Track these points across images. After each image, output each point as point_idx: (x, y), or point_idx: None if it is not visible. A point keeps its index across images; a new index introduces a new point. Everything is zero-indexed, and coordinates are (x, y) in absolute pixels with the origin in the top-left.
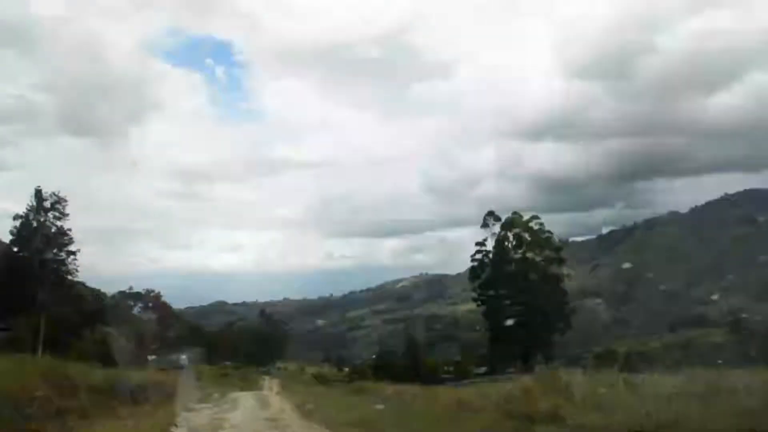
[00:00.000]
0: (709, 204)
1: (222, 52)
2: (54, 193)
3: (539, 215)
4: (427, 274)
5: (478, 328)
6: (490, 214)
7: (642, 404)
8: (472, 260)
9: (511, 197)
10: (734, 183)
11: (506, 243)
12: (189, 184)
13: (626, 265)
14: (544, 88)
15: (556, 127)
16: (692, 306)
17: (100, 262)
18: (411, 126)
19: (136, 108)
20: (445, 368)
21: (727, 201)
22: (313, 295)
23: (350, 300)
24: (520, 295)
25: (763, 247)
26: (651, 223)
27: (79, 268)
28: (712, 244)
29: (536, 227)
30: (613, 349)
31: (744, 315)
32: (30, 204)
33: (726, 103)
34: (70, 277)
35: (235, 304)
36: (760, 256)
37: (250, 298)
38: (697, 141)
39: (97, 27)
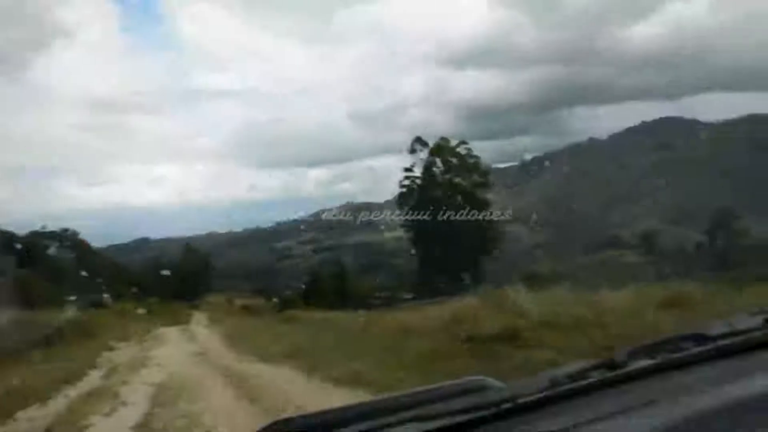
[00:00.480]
0: (628, 131)
1: None
2: None
3: (466, 141)
4: (353, 202)
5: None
6: (418, 140)
7: (600, 320)
8: (401, 186)
9: (436, 124)
10: (653, 111)
11: (434, 168)
12: (103, 116)
13: (548, 190)
14: (470, 15)
15: (482, 55)
16: (608, 229)
17: (10, 204)
18: (336, 53)
19: (39, 35)
20: (376, 294)
21: (645, 128)
22: (238, 228)
23: (277, 231)
24: (448, 219)
25: (678, 172)
26: (572, 150)
27: None
28: (630, 170)
29: (464, 152)
30: (537, 271)
31: (658, 236)
32: None
33: (648, 32)
34: None
35: (158, 240)
36: (674, 180)
37: (174, 234)
38: (619, 70)
39: None
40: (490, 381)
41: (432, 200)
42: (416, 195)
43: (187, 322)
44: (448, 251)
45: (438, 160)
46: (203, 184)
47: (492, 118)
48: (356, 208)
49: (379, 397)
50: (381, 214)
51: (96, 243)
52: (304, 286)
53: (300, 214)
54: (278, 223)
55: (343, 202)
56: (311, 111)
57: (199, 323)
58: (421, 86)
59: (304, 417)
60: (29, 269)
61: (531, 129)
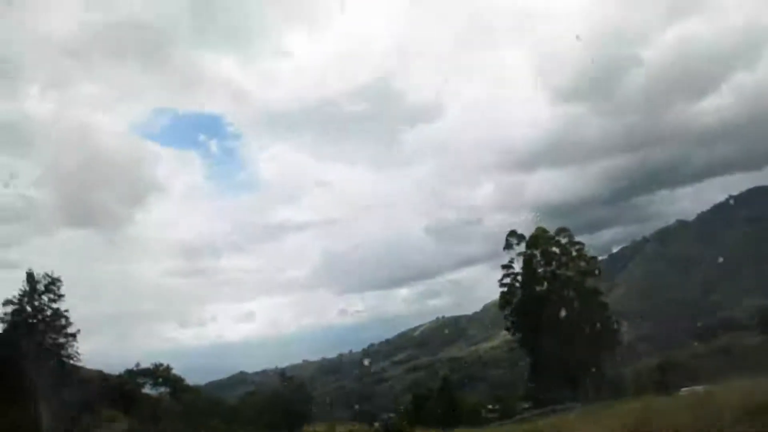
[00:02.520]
0: (715, 207)
1: (212, 126)
2: (47, 275)
3: (566, 228)
4: (443, 317)
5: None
6: (513, 233)
7: None
8: (501, 285)
9: (513, 228)
10: (737, 183)
11: (534, 261)
12: (194, 260)
13: (640, 280)
14: (531, 116)
15: (549, 154)
16: (712, 311)
17: (112, 350)
18: (405, 172)
19: (133, 192)
20: (489, 407)
21: (732, 202)
22: (331, 354)
23: (369, 354)
24: (558, 315)
25: None
26: (660, 235)
27: (80, 351)
28: (724, 246)
29: (564, 240)
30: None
31: None
32: (22, 288)
33: (714, 105)
34: (71, 361)
35: (255, 373)
36: None
37: (269, 366)
38: (692, 147)
39: (87, 118)
40: None
41: (536, 297)
42: (518, 293)
43: None
44: (563, 351)
45: (537, 253)
46: (293, 315)
47: (570, 214)
48: (446, 323)
49: None
50: (471, 327)
51: (196, 380)
52: (402, 408)
53: (391, 334)
54: (370, 345)
55: (432, 318)
56: (389, 232)
57: None
58: (493, 194)
59: None
60: (121, 408)
61: (613, 220)
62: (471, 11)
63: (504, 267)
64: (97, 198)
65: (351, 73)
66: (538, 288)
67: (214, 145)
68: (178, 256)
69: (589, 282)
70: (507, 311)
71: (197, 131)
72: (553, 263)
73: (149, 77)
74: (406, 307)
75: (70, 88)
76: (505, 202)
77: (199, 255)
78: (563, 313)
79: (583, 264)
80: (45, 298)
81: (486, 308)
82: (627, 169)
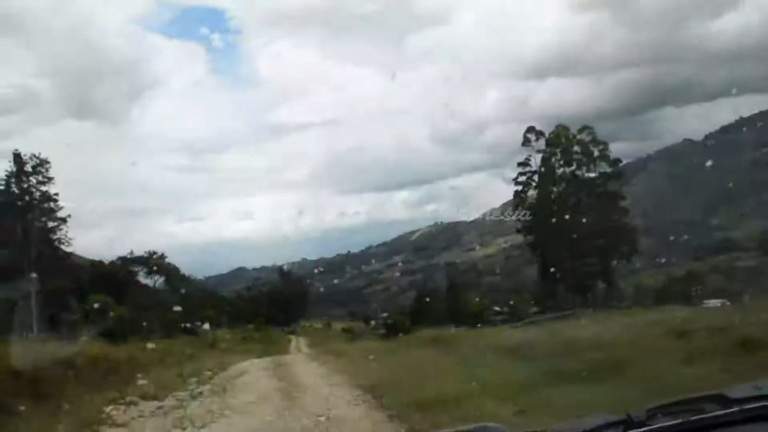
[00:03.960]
0: (724, 129)
1: (215, 19)
2: (34, 155)
3: (590, 125)
4: (441, 223)
5: (498, 271)
6: (531, 129)
7: None
8: (515, 183)
9: (519, 140)
10: (749, 106)
11: (552, 160)
12: (195, 156)
13: (645, 197)
14: (545, 25)
15: (560, 64)
16: (714, 233)
17: (113, 244)
18: (412, 77)
19: (134, 85)
20: (496, 309)
21: (742, 124)
22: (329, 254)
23: (366, 255)
24: (573, 218)
25: None
26: (666, 153)
27: (69, 236)
28: (729, 169)
29: (587, 139)
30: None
31: None
32: (8, 169)
33: (735, 23)
34: (62, 247)
35: (254, 269)
36: None
37: (268, 263)
38: (708, 65)
39: (88, 10)
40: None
41: (552, 198)
42: (534, 193)
43: (285, 350)
44: (575, 256)
45: (557, 151)
46: (293, 214)
47: (575, 127)
48: (443, 229)
49: None
50: (468, 233)
51: (195, 275)
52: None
53: (388, 237)
54: (367, 247)
55: (430, 223)
56: (392, 136)
57: (300, 350)
58: (500, 102)
59: None
60: (116, 297)
61: (621, 135)
62: None
63: (520, 164)
64: (97, 90)
65: None
66: (555, 188)
67: (216, 39)
68: (179, 152)
69: (611, 185)
70: (519, 211)
71: (200, 24)
72: (573, 163)
73: None
74: (405, 210)
75: None
76: (511, 112)
77: (200, 151)
78: (580, 216)
79: (605, 165)
80: (33, 179)
81: (484, 216)
82: (638, 83)
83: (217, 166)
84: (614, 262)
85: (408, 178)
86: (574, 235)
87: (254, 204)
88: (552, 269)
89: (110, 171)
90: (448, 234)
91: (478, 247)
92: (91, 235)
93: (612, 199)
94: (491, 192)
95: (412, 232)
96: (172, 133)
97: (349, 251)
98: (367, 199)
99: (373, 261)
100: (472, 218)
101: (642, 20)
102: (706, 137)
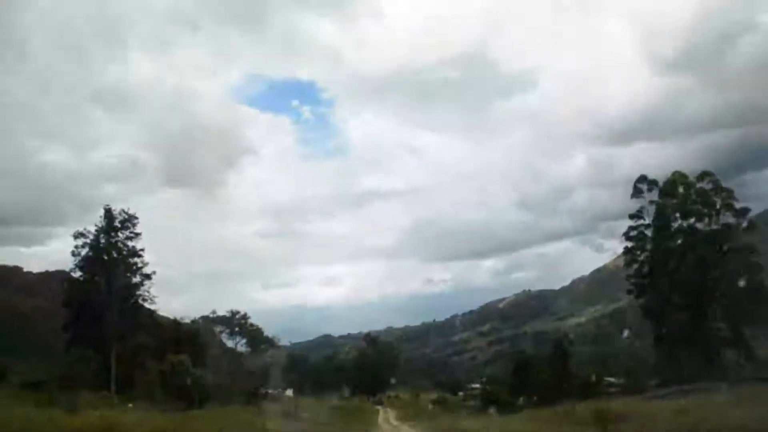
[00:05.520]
0: None
1: (305, 92)
2: (124, 211)
3: (711, 172)
4: (528, 291)
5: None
6: (643, 179)
7: None
8: (626, 239)
9: (608, 205)
10: None
11: (668, 211)
12: (284, 222)
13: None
14: (631, 87)
15: (647, 127)
16: None
17: (203, 306)
18: (497, 142)
19: (229, 155)
20: (610, 380)
21: None
22: (415, 322)
23: (453, 324)
24: (696, 277)
25: None
26: (761, 219)
27: (153, 293)
28: None
29: (708, 187)
30: None
31: None
32: (98, 224)
33: None
34: (145, 304)
35: (340, 337)
36: None
37: (353, 330)
38: None
39: (187, 82)
40: None
41: (669, 254)
42: (647, 248)
43: (373, 422)
44: (699, 321)
45: (674, 202)
46: (379, 281)
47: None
48: (531, 297)
49: None
50: (557, 302)
51: (282, 341)
52: (484, 378)
53: (475, 305)
54: (453, 316)
55: (518, 291)
56: (477, 202)
57: (389, 422)
58: (585, 167)
59: None
60: (192, 356)
61: None
62: None
63: (631, 217)
64: (194, 160)
65: (445, 39)
66: (672, 244)
67: (306, 111)
68: (268, 218)
69: (741, 238)
70: (631, 270)
71: (290, 96)
72: (693, 215)
73: (246, 41)
74: (491, 278)
75: (173, 54)
76: (597, 177)
77: (287, 218)
78: (704, 275)
79: (730, 216)
80: (121, 234)
81: (573, 284)
82: (731, 145)
83: (304, 232)
84: (747, 327)
85: (494, 246)
86: (697, 296)
87: (339, 271)
88: (669, 336)
89: (203, 236)
90: (535, 302)
91: (562, 316)
92: (182, 298)
93: (742, 254)
94: (579, 259)
95: (499, 300)
96: (262, 199)
97: (434, 319)
98: (453, 267)
99: (459, 329)
100: (560, 286)
101: (731, 81)
102: None
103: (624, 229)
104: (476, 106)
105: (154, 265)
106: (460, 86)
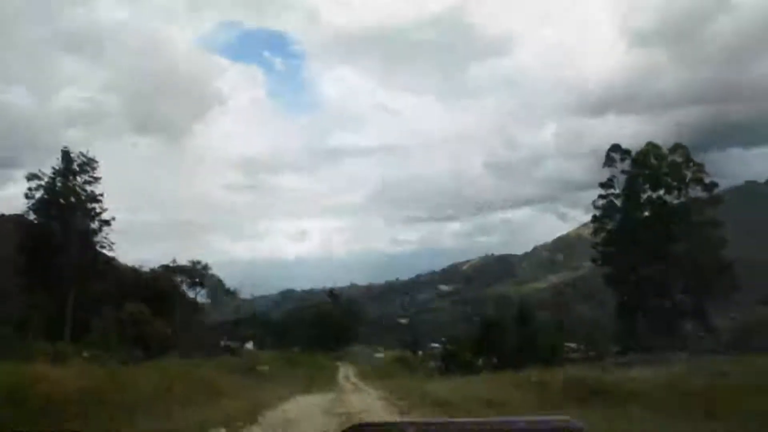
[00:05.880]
0: None
1: (278, 43)
2: (82, 153)
3: (684, 144)
4: (492, 254)
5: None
6: (616, 148)
7: None
8: (595, 208)
9: (575, 175)
10: None
11: (638, 182)
12: (253, 175)
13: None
14: (606, 60)
15: (620, 100)
16: None
17: (168, 257)
18: (471, 107)
19: (197, 104)
20: (572, 346)
21: None
22: (379, 280)
23: (416, 283)
24: (661, 248)
25: None
26: (728, 196)
27: (113, 240)
28: None
29: (680, 160)
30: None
31: None
32: (55, 167)
33: None
34: (104, 251)
35: (303, 291)
36: None
37: (317, 285)
38: None
39: (156, 28)
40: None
41: (637, 224)
42: (617, 218)
43: (332, 381)
44: (663, 292)
45: (645, 173)
46: (345, 238)
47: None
48: (495, 260)
49: (465, 419)
50: (520, 266)
51: (245, 293)
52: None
53: (439, 266)
54: (417, 276)
55: (482, 254)
56: (448, 165)
57: (349, 379)
58: (556, 136)
59: (378, 425)
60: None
61: None
62: None
63: (602, 185)
64: (161, 107)
65: (422, 1)
66: (639, 215)
67: (278, 63)
68: (237, 171)
69: (707, 212)
70: (599, 238)
71: (263, 47)
72: (662, 187)
73: None
74: (457, 241)
75: None
76: (568, 147)
77: (257, 171)
78: (669, 247)
79: (699, 189)
80: (79, 178)
81: (536, 249)
82: (701, 122)
83: (273, 186)
84: (708, 301)
85: (460, 208)
86: (662, 268)
87: (308, 226)
88: (632, 306)
89: (170, 186)
90: (498, 266)
91: (528, 281)
92: (147, 247)
93: (707, 228)
94: (544, 226)
95: (463, 262)
96: (231, 152)
97: (398, 278)
98: (419, 228)
99: (422, 289)
100: (523, 251)
101: (705, 58)
102: None
103: (589, 199)
104: (452, 69)
105: (118, 213)
106: (437, 48)
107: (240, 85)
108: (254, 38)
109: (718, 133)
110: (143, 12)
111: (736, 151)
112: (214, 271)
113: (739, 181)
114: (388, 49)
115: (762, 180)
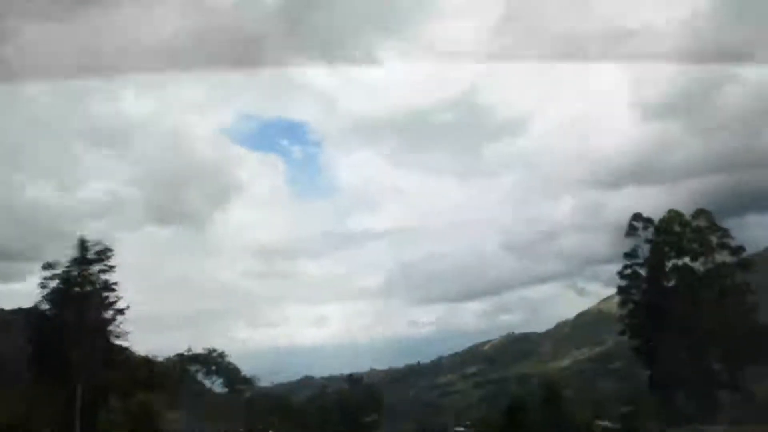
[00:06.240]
0: None
1: (296, 132)
2: (99, 242)
3: (707, 210)
4: (513, 333)
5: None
6: (638, 217)
7: None
8: (621, 278)
9: (592, 248)
10: None
11: (663, 250)
12: (271, 262)
13: None
14: (620, 133)
15: (636, 172)
16: None
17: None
18: (486, 186)
19: (217, 193)
20: (603, 423)
21: None
22: (399, 364)
23: (438, 366)
24: (691, 317)
25: None
26: (750, 261)
27: (127, 329)
28: None
29: (705, 225)
30: None
31: None
32: (71, 255)
33: None
34: (117, 341)
35: (323, 378)
36: None
37: (336, 371)
38: None
39: (177, 120)
40: None
41: (665, 293)
42: (641, 288)
43: None
44: (696, 362)
45: (670, 240)
46: (364, 323)
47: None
48: (516, 340)
49: None
50: (542, 344)
51: (264, 382)
52: (469, 421)
53: (460, 348)
54: (438, 358)
55: (503, 333)
56: (465, 244)
57: None
58: (574, 210)
59: None
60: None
61: None
62: (563, 26)
63: (626, 256)
64: (182, 197)
65: (437, 84)
66: (665, 284)
67: (296, 151)
68: (256, 258)
69: (737, 277)
70: (625, 310)
71: (281, 137)
72: (688, 254)
73: (238, 81)
74: (477, 321)
75: (165, 91)
76: (585, 221)
77: (275, 257)
78: (700, 315)
79: (725, 254)
80: (95, 267)
81: (558, 326)
82: (717, 191)
83: (291, 272)
84: (745, 369)
85: (480, 288)
86: (694, 337)
87: (325, 311)
88: (664, 377)
89: (189, 275)
90: (520, 345)
91: (551, 359)
92: (165, 337)
93: (738, 294)
94: (564, 302)
95: (484, 343)
96: (250, 238)
97: (419, 362)
98: (439, 309)
99: (444, 371)
100: (545, 329)
101: (717, 127)
102: None
103: (608, 273)
104: (467, 150)
105: (137, 304)
106: (452, 130)
107: (259, 173)
108: (273, 128)
109: (734, 200)
110: (166, 105)
111: (753, 218)
112: (231, 359)
113: (760, 247)
114: (403, 133)
115: None
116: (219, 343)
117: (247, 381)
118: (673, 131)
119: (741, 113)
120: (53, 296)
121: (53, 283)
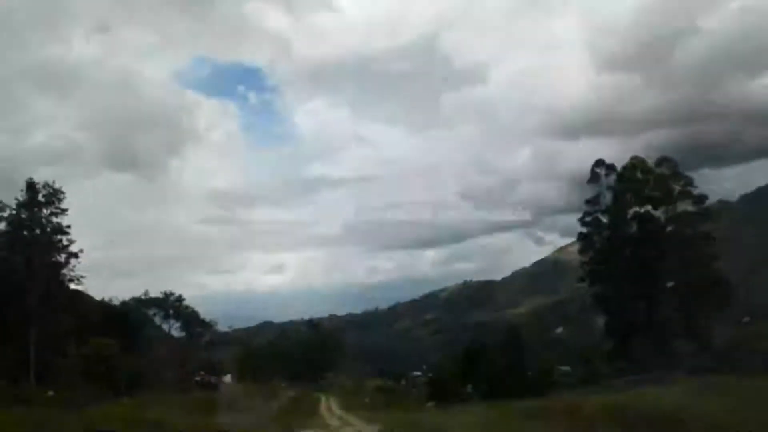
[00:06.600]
0: (759, 190)
1: (252, 78)
2: (48, 184)
3: (671, 157)
4: (470, 281)
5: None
6: (601, 163)
7: None
8: (582, 224)
9: (550, 198)
10: None
11: (625, 197)
12: (228, 209)
13: None
14: (578, 85)
15: (593, 123)
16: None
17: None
18: (445, 135)
19: (172, 140)
20: (565, 369)
21: None
22: (357, 310)
23: (395, 312)
24: (651, 264)
25: None
26: (711, 210)
27: (82, 274)
28: (765, 231)
29: (668, 173)
30: None
31: None
32: (20, 198)
33: None
34: (71, 285)
35: (281, 323)
36: None
37: (295, 317)
38: (744, 126)
39: (130, 65)
40: None
41: (625, 241)
42: (603, 235)
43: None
44: (655, 310)
45: (631, 188)
46: (323, 269)
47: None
48: (473, 287)
49: None
50: (499, 292)
51: (221, 327)
52: (425, 366)
53: (417, 294)
54: (396, 304)
55: (460, 281)
56: (423, 194)
57: (333, 413)
58: (531, 160)
59: None
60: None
61: None
62: None
63: (588, 202)
64: (136, 144)
65: (395, 31)
66: (626, 230)
67: (252, 97)
68: (213, 205)
69: (697, 225)
70: (587, 257)
71: (237, 82)
72: (650, 201)
73: (191, 25)
74: (435, 268)
75: (115, 34)
76: (543, 170)
77: (232, 205)
78: (660, 263)
79: (687, 203)
80: (45, 210)
81: (515, 275)
82: (673, 143)
83: (250, 219)
84: (702, 318)
85: (437, 236)
86: (653, 285)
87: (284, 258)
88: (622, 325)
89: (146, 222)
90: (476, 292)
91: (508, 307)
92: (123, 282)
93: (700, 243)
94: (522, 251)
95: (442, 290)
96: (208, 186)
97: (377, 308)
98: (397, 256)
99: (401, 318)
100: (501, 277)
101: (675, 80)
102: (742, 197)
103: (565, 223)
104: (425, 99)
105: (93, 249)
106: (410, 79)
107: (214, 119)
108: (228, 73)
109: (689, 153)
110: (115, 48)
111: (707, 172)
112: (189, 303)
113: (712, 201)
114: (361, 80)
115: (734, 199)
116: (176, 289)
117: (206, 325)
118: (629, 84)
119: (699, 66)
120: (1, 240)
121: (0, 226)
